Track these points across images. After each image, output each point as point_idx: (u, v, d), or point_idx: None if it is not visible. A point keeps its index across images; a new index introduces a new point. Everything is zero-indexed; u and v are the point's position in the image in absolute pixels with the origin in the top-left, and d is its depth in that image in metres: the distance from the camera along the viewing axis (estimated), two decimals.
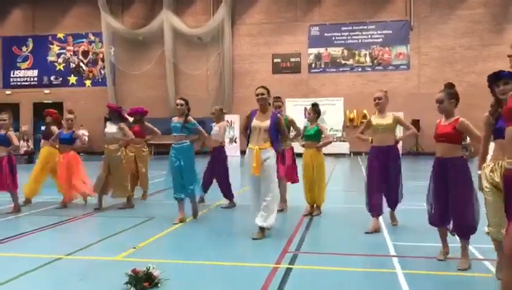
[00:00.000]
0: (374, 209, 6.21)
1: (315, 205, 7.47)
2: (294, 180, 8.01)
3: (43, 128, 9.58)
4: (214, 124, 8.59)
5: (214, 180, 8.47)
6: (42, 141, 9.43)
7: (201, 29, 24.20)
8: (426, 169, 5.07)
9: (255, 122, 5.95)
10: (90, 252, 5.38)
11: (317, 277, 4.51)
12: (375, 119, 6.41)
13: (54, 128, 9.02)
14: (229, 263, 4.92)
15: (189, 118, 7.00)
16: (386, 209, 6.47)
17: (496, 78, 4.11)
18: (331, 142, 7.81)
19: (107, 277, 4.46)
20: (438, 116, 4.82)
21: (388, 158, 6.22)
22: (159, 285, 4.10)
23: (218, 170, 8.34)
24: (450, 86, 4.71)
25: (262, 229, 5.90)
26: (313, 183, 7.33)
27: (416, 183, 9.38)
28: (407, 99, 22.60)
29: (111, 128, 8.26)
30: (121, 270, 4.26)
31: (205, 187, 8.40)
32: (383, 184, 6.24)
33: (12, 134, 7.86)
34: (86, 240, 5.87)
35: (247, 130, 6.11)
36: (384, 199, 6.35)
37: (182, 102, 6.96)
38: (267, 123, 5.89)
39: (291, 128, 7.84)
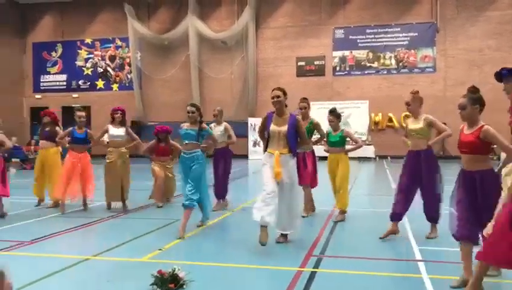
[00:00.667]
0: (393, 216, 6.06)
1: (339, 210, 7.35)
2: (315, 184, 7.88)
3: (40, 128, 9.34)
4: (213, 124, 8.55)
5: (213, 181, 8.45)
6: (43, 142, 9.09)
7: (225, 33, 24.35)
8: (453, 174, 4.98)
9: (273, 127, 5.74)
10: (117, 253, 5.48)
11: (341, 281, 4.49)
12: (409, 123, 6.23)
13: (58, 128, 9.16)
14: (253, 265, 4.95)
15: (204, 125, 6.65)
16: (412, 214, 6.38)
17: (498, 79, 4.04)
18: (361, 146, 7.65)
19: (134, 278, 4.54)
20: None
21: (420, 164, 5.95)
22: (184, 286, 4.15)
23: (221, 169, 8.36)
24: (473, 91, 4.19)
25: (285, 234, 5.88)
26: (342, 188, 7.19)
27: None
28: (433, 102, 22.22)
29: (118, 131, 8.37)
30: (147, 271, 4.32)
31: (222, 190, 8.40)
32: (410, 193, 6.02)
33: (3, 136, 7.81)
34: (112, 242, 5.98)
35: (263, 133, 5.93)
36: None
37: (193, 109, 6.58)
38: (285, 128, 5.68)
39: (315, 132, 7.73)
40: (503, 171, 4.11)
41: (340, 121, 7.40)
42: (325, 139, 7.67)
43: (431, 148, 6.07)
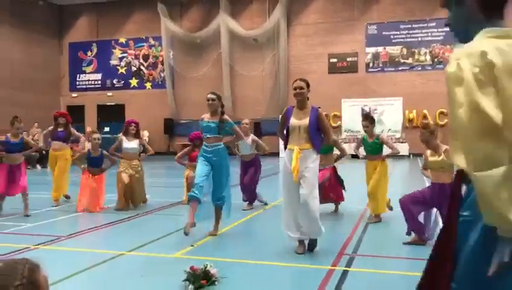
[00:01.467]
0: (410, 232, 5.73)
1: (374, 214, 7.11)
2: (340, 197, 7.72)
3: (50, 128, 9.22)
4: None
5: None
6: (58, 143, 9.04)
7: (257, 31, 24.38)
8: None
9: (293, 121, 5.26)
10: (150, 249, 5.56)
11: (373, 280, 4.43)
12: (429, 155, 5.60)
13: (73, 130, 9.29)
14: (285, 263, 4.93)
15: (226, 116, 6.15)
16: None
17: None
18: (398, 152, 7.41)
19: (166, 274, 4.60)
20: None
21: (443, 199, 5.14)
22: (216, 283, 4.17)
23: (248, 177, 8.24)
24: None
25: (302, 242, 5.35)
26: (374, 193, 6.94)
27: None
28: None
29: (131, 144, 8.54)
30: (179, 267, 4.37)
31: (250, 196, 8.34)
32: (426, 218, 5.61)
33: (28, 139, 8.28)
34: (146, 238, 6.07)
35: (283, 131, 5.44)
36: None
37: (214, 96, 6.07)
38: (306, 121, 5.20)
39: (334, 149, 7.47)
40: None
41: (374, 126, 7.10)
42: (346, 154, 7.52)
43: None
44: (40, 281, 1.22)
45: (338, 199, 7.74)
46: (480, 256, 1.68)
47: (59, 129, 9.09)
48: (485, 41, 1.67)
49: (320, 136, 5.31)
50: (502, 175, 1.53)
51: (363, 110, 21.91)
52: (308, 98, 5.38)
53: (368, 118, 7.07)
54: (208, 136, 6.10)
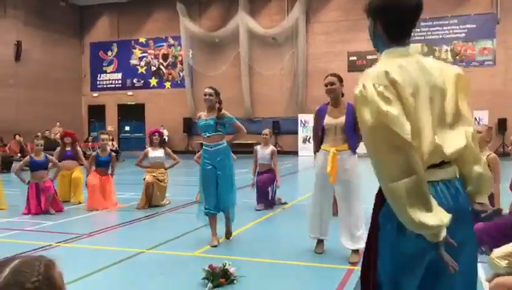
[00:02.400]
0: None
1: None
2: None
3: (58, 149, 9.38)
4: (259, 146, 8.41)
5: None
6: (68, 161, 9.14)
7: (275, 29, 24.32)
8: None
9: (328, 120, 4.93)
10: (169, 247, 5.60)
11: None
12: None
13: (79, 149, 9.52)
14: (304, 262, 4.92)
15: (224, 112, 5.70)
16: None
17: None
18: None
19: (185, 272, 4.63)
20: None
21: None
22: (234, 282, 4.19)
23: (265, 176, 8.22)
24: None
25: (321, 241, 5.28)
26: None
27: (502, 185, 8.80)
28: (493, 97, 21.31)
29: (156, 153, 8.67)
30: (198, 265, 4.40)
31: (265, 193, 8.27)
32: None
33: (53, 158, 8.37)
34: (165, 236, 6.12)
35: (318, 132, 5.04)
36: None
37: (211, 91, 5.68)
38: (342, 119, 4.85)
39: None
40: None
41: None
42: None
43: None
44: (55, 278, 1.25)
45: None
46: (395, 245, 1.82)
47: (67, 148, 9.31)
48: (387, 61, 1.85)
49: (356, 135, 4.82)
50: (413, 184, 1.65)
51: None
52: (342, 94, 5.02)
53: None
54: (208, 135, 5.68)
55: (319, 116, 5.03)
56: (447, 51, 22.46)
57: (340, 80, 4.99)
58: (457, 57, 22.27)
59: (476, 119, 20.30)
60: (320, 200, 5.12)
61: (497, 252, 3.60)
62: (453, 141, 1.84)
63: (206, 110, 5.74)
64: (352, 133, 4.87)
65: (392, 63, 1.82)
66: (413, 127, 1.72)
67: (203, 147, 5.79)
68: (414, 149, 1.69)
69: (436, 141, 1.79)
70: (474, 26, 21.94)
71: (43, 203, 7.77)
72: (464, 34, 22.15)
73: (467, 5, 22.05)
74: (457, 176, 1.90)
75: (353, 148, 4.93)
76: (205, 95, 5.66)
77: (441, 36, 22.48)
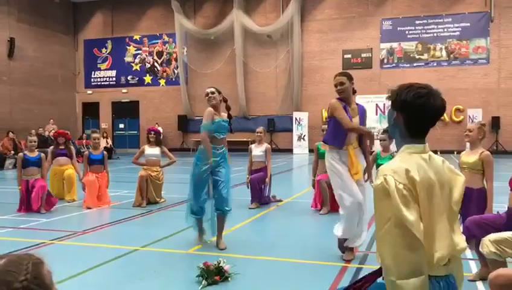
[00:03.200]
0: None
1: None
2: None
3: (51, 148, 9.37)
4: (254, 145, 8.42)
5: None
6: (62, 158, 9.17)
7: (271, 27, 24.31)
8: (506, 169, 4.74)
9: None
10: (164, 245, 5.60)
11: None
12: (463, 155, 5.28)
13: (72, 147, 9.51)
14: (298, 260, 4.93)
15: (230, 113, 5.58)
16: None
17: None
18: None
19: (180, 269, 4.63)
20: None
21: (469, 203, 4.77)
22: (229, 279, 4.19)
23: (259, 174, 8.23)
24: None
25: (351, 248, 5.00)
26: None
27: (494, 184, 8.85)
28: (486, 95, 21.45)
29: (152, 150, 8.69)
30: (193, 263, 4.40)
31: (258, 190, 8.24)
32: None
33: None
34: (159, 233, 6.11)
35: (352, 125, 4.78)
36: None
37: (214, 90, 5.51)
38: (357, 119, 4.84)
39: None
40: None
41: (392, 141, 6.87)
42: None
43: (484, 187, 4.99)
44: (44, 276, 1.23)
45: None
46: None
47: (60, 148, 9.28)
48: (406, 158, 1.92)
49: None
50: (420, 284, 1.77)
51: (377, 106, 21.77)
52: (354, 91, 4.93)
53: (388, 133, 6.89)
54: (222, 136, 5.47)
55: (345, 109, 4.81)
56: (441, 49, 22.53)
57: (350, 78, 4.89)
58: (452, 56, 22.35)
59: (470, 117, 20.42)
60: (358, 204, 4.77)
61: (492, 235, 3.65)
62: (459, 240, 1.97)
63: (214, 109, 5.46)
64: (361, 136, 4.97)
65: (411, 160, 1.90)
66: (426, 228, 1.83)
67: (205, 149, 5.36)
68: (425, 250, 1.80)
69: (451, 242, 1.91)
70: (469, 24, 22.02)
71: (34, 201, 7.72)
72: (458, 33, 22.24)
73: (461, 3, 22.12)
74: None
75: (363, 148, 5.01)
76: (207, 95, 5.47)
77: (435, 34, 22.55)
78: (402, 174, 1.84)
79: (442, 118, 21.00)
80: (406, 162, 1.88)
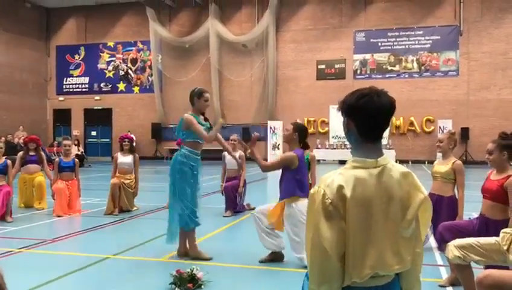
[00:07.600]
0: None
1: None
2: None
3: (20, 153, 9.13)
4: (225, 153, 8.23)
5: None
6: (32, 165, 9.00)
7: (246, 37, 24.42)
8: (475, 178, 4.89)
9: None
10: (136, 253, 5.52)
11: None
12: (436, 165, 5.55)
13: (42, 153, 9.34)
14: (271, 267, 4.93)
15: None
16: None
17: None
18: None
19: (153, 277, 4.57)
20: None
21: (440, 211, 5.08)
22: (202, 287, 4.16)
23: (233, 182, 8.27)
24: (504, 137, 4.01)
25: None
26: None
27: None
28: (456, 106, 22.00)
29: (125, 158, 8.61)
30: (165, 271, 4.35)
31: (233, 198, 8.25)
32: None
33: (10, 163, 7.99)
34: (132, 241, 6.03)
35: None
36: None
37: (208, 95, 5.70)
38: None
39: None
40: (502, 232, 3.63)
41: None
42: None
43: (455, 195, 5.28)
44: None
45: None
46: None
47: (31, 153, 9.07)
48: (346, 172, 1.87)
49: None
50: None
51: None
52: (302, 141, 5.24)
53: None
54: (201, 142, 5.36)
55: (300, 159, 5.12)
56: (413, 61, 23.03)
57: (295, 129, 5.09)
58: (423, 67, 22.87)
59: (440, 128, 20.89)
60: None
61: (457, 241, 3.70)
62: (400, 259, 1.89)
63: (203, 115, 5.52)
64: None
65: (350, 175, 1.85)
66: (359, 244, 1.82)
67: (190, 154, 5.26)
68: (337, 264, 1.82)
69: (381, 261, 1.85)
70: (439, 37, 22.60)
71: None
72: (429, 45, 22.78)
73: (432, 17, 22.70)
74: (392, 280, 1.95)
75: None
76: (207, 100, 5.63)
77: (407, 46, 23.05)
78: (333, 189, 1.82)
79: (413, 128, 21.25)
80: (343, 176, 1.85)
